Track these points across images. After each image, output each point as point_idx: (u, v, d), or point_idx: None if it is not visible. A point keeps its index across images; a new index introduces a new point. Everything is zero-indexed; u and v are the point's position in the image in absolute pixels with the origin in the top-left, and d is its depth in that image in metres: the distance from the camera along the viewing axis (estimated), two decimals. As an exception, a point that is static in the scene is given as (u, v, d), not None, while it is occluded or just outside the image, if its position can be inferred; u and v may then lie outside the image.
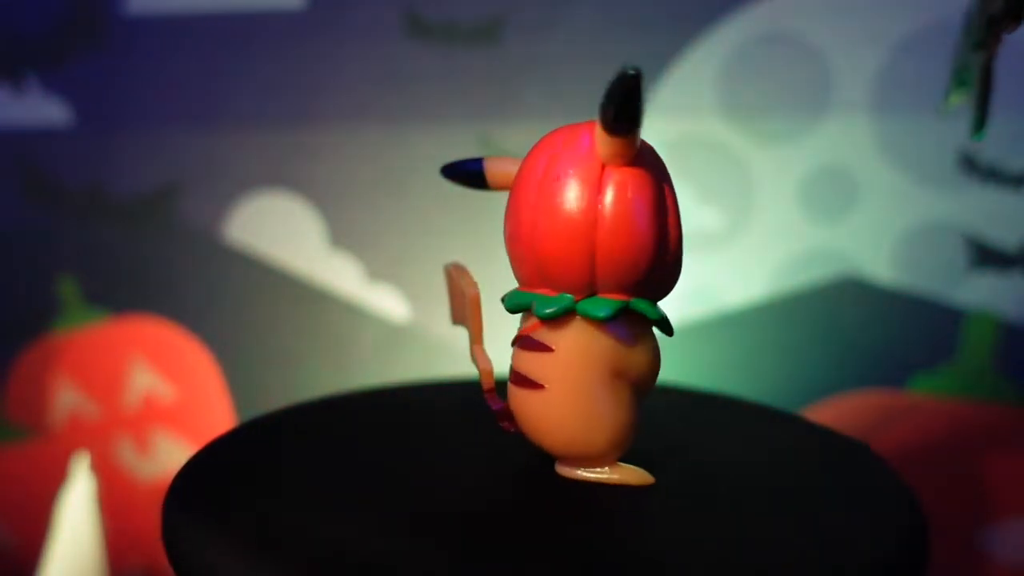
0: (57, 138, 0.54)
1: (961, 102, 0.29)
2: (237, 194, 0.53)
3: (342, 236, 0.53)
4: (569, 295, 0.21)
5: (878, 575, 0.19)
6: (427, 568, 0.18)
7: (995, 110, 0.26)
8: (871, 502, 0.22)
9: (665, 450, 0.25)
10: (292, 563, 0.19)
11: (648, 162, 0.21)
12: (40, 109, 0.54)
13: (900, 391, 0.48)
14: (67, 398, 0.56)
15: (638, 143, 0.20)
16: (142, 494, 0.55)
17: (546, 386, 0.22)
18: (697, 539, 0.20)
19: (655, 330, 0.22)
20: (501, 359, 0.23)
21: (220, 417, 0.54)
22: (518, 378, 0.22)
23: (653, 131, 0.49)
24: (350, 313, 0.53)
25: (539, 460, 0.24)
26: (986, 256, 0.47)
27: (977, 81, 0.26)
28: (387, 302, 0.52)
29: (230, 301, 0.54)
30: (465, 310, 0.23)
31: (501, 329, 0.24)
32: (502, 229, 0.22)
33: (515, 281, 0.23)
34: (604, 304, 0.21)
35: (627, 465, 0.23)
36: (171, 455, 0.55)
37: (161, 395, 0.55)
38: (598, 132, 0.20)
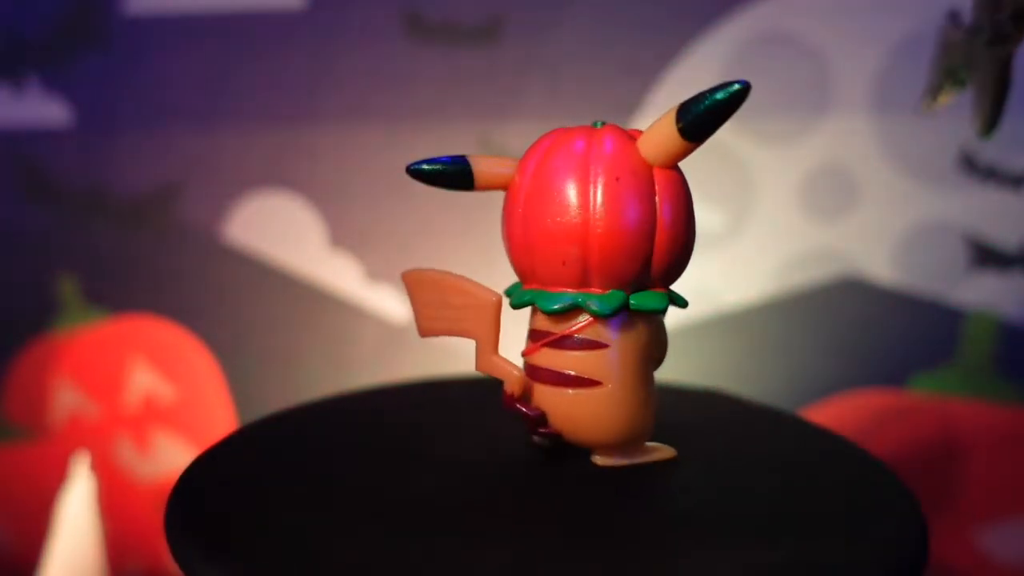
0: (57, 138, 0.54)
1: (950, 101, 0.29)
2: (237, 194, 0.53)
3: (342, 236, 0.53)
4: (621, 291, 0.22)
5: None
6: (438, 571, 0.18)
7: (1007, 107, 0.26)
8: (870, 504, 0.22)
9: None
10: (294, 567, 0.19)
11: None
12: (40, 109, 0.54)
13: (900, 391, 0.48)
14: (67, 398, 0.56)
15: None
16: (142, 494, 0.55)
17: (603, 382, 0.22)
18: (697, 538, 0.20)
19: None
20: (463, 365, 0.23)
21: (220, 417, 0.54)
22: (563, 379, 0.22)
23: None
24: (350, 313, 0.53)
25: (556, 453, 0.24)
26: (986, 256, 0.47)
27: (990, 78, 0.25)
28: (387, 302, 0.52)
29: (230, 301, 0.54)
30: (477, 318, 0.22)
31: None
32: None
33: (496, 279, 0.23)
34: (657, 297, 0.23)
35: (654, 443, 0.24)
36: (171, 455, 0.55)
37: (161, 395, 0.55)
38: (664, 132, 0.22)
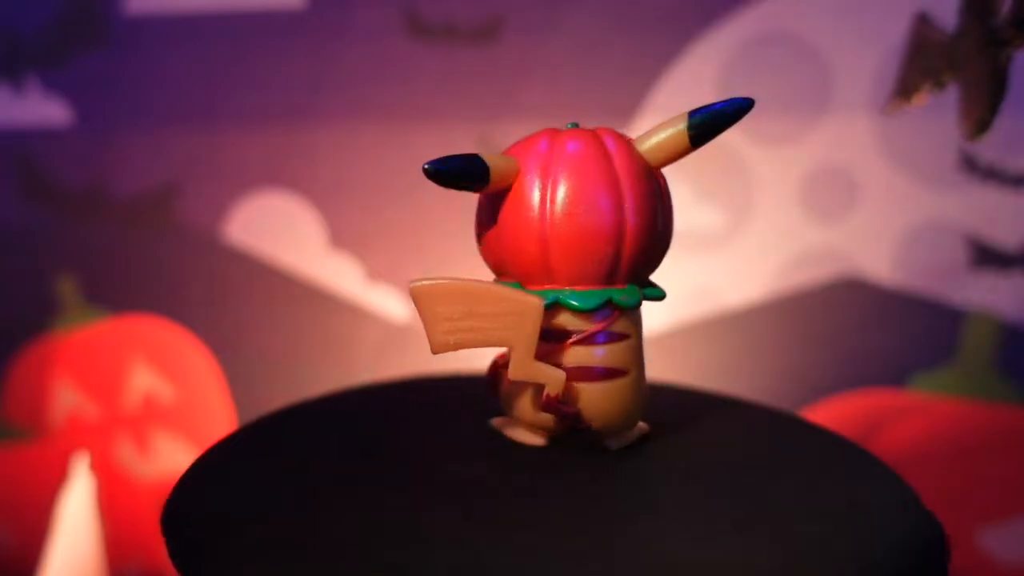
0: (57, 138, 0.54)
1: (924, 102, 0.29)
2: (237, 194, 0.53)
3: (342, 236, 0.53)
4: (635, 285, 0.24)
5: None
6: (444, 564, 0.18)
7: (1003, 109, 0.26)
8: (875, 507, 0.22)
9: (665, 448, 0.25)
10: (293, 567, 0.19)
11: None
12: (40, 109, 0.54)
13: (900, 391, 0.48)
14: (67, 398, 0.56)
15: None
16: (142, 494, 0.55)
17: (628, 371, 0.23)
18: (696, 539, 0.20)
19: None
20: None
21: (220, 417, 0.54)
22: (594, 373, 0.23)
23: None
24: (350, 313, 0.53)
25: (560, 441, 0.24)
26: (986, 256, 0.47)
27: (985, 81, 0.25)
28: (387, 302, 0.52)
29: (230, 301, 0.54)
30: (518, 324, 0.22)
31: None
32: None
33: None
34: (657, 289, 0.24)
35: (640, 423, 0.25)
36: (171, 455, 0.55)
37: (161, 395, 0.55)
38: (675, 137, 0.23)
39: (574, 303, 0.23)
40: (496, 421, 0.26)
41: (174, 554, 0.20)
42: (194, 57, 0.53)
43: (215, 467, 0.24)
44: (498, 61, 0.50)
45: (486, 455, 0.24)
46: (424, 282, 0.22)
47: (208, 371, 0.55)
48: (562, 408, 0.23)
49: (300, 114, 0.52)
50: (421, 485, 0.23)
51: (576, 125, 0.24)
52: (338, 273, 0.53)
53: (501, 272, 0.24)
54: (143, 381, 0.55)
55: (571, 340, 0.23)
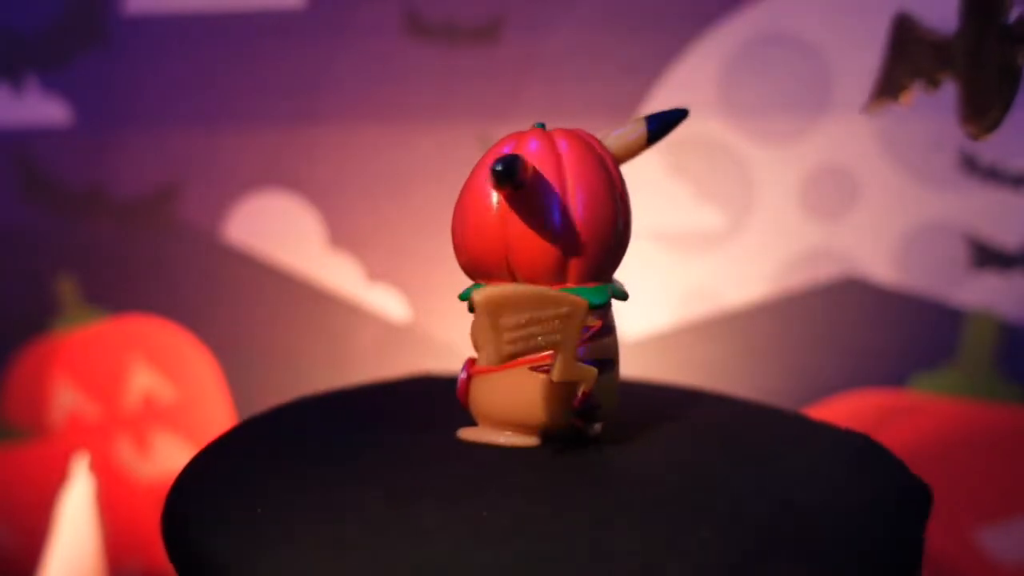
0: (57, 138, 0.54)
1: (911, 103, 0.29)
2: (236, 194, 0.53)
3: (342, 236, 0.53)
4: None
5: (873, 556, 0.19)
6: (442, 567, 0.18)
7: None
8: (880, 497, 0.22)
9: (663, 447, 0.25)
10: (293, 567, 0.19)
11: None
12: (40, 109, 0.54)
13: (900, 391, 0.48)
14: (67, 398, 0.56)
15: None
16: (142, 494, 0.55)
17: (616, 362, 0.24)
18: (695, 535, 0.20)
19: None
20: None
21: (220, 417, 0.54)
22: (604, 366, 0.23)
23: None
24: (350, 313, 0.53)
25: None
26: (986, 256, 0.47)
27: (998, 79, 0.25)
28: (386, 302, 0.52)
29: (230, 301, 0.54)
30: (567, 325, 0.22)
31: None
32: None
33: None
34: (622, 290, 0.25)
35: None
36: (171, 455, 0.55)
37: (161, 395, 0.55)
38: (638, 135, 0.25)
39: (594, 298, 0.23)
40: (467, 433, 0.25)
41: (173, 555, 0.20)
42: (194, 57, 0.53)
43: (213, 466, 0.24)
44: (498, 61, 0.50)
45: (488, 454, 0.24)
46: (489, 290, 0.22)
47: (208, 371, 0.55)
48: (591, 402, 0.23)
49: (300, 114, 0.52)
50: (421, 486, 0.23)
51: (542, 125, 0.24)
52: (337, 273, 0.53)
53: (473, 274, 0.24)
54: (143, 381, 0.55)
55: (588, 335, 0.23)
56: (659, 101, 0.48)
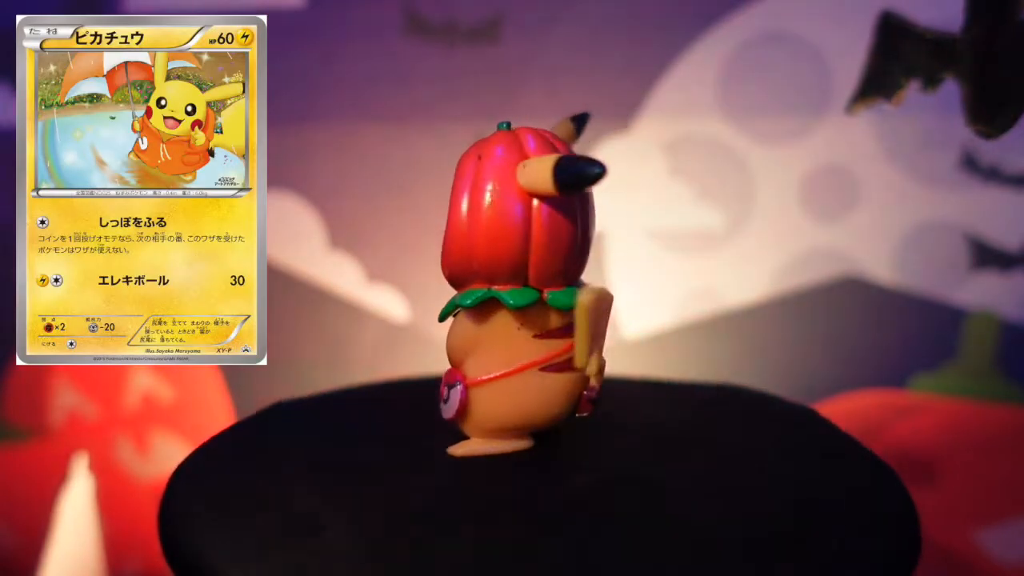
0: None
1: (902, 102, 0.29)
2: (237, 194, 0.53)
3: (342, 236, 0.53)
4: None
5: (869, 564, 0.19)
6: (437, 565, 0.18)
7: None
8: (865, 498, 0.22)
9: (661, 445, 0.25)
10: (289, 560, 0.19)
11: None
12: (40, 109, 0.54)
13: (900, 391, 0.48)
14: (67, 398, 0.56)
15: None
16: (142, 494, 0.55)
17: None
18: (694, 531, 0.20)
19: None
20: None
21: (220, 417, 0.54)
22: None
23: (653, 131, 0.49)
24: (350, 313, 0.53)
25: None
26: (986, 256, 0.47)
27: (1013, 79, 0.25)
28: (387, 302, 0.52)
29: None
30: (604, 321, 0.23)
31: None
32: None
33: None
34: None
35: None
36: (170, 455, 0.55)
37: (161, 395, 0.55)
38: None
39: (568, 301, 0.23)
40: (459, 450, 0.24)
41: (167, 552, 0.20)
42: (194, 57, 0.53)
43: (208, 466, 0.24)
44: (498, 61, 0.50)
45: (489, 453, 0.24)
46: (588, 293, 0.22)
47: (207, 371, 0.55)
48: (598, 394, 0.24)
49: (299, 114, 0.52)
50: (421, 485, 0.23)
51: (508, 125, 0.24)
52: (337, 273, 0.53)
53: (475, 279, 0.24)
54: (143, 381, 0.55)
55: (567, 336, 0.23)
56: (659, 101, 0.48)
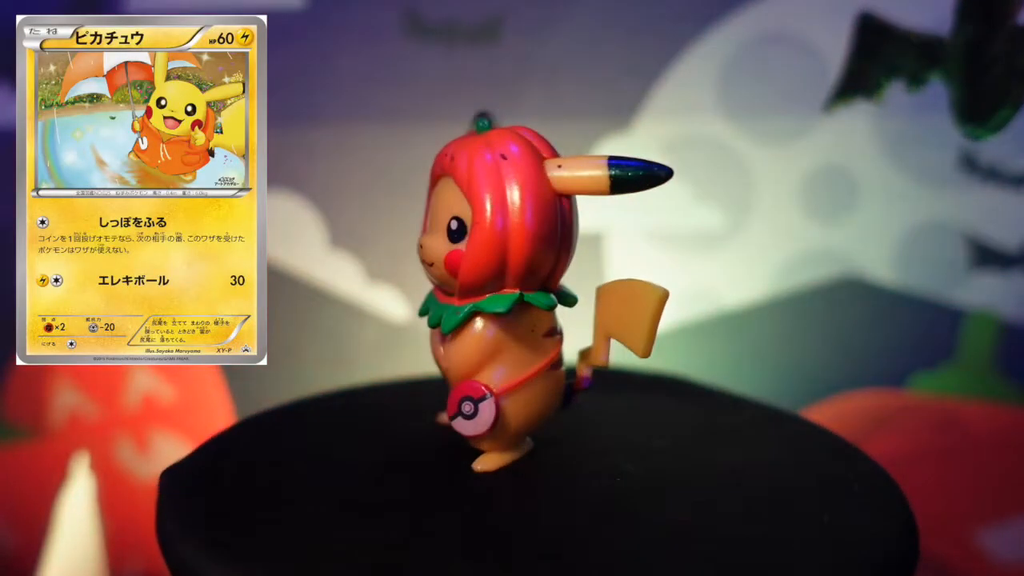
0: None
1: (882, 100, 0.29)
2: (237, 194, 0.53)
3: (342, 236, 0.53)
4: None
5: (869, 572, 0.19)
6: (431, 568, 0.18)
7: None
8: (861, 501, 0.22)
9: (661, 445, 0.25)
10: (288, 562, 0.19)
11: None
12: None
13: (900, 391, 0.48)
14: (67, 398, 0.56)
15: None
16: (142, 494, 0.55)
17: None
18: (693, 536, 0.20)
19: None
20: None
21: (220, 417, 0.54)
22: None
23: (653, 131, 0.49)
24: (350, 313, 0.53)
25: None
26: (986, 256, 0.47)
27: (1007, 80, 0.25)
28: (387, 302, 0.52)
29: (230, 301, 0.54)
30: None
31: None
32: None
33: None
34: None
35: None
36: (171, 455, 0.55)
37: (161, 395, 0.55)
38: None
39: (568, 301, 0.24)
40: (482, 465, 0.24)
41: (165, 551, 0.20)
42: (194, 57, 0.53)
43: (207, 467, 0.24)
44: (498, 61, 0.50)
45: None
46: (658, 288, 0.22)
47: (208, 371, 0.55)
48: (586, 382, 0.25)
49: (299, 114, 0.52)
50: (421, 485, 0.23)
51: (488, 124, 0.24)
52: (338, 273, 0.53)
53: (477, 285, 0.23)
54: (143, 381, 0.55)
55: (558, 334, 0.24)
56: (659, 101, 0.48)
